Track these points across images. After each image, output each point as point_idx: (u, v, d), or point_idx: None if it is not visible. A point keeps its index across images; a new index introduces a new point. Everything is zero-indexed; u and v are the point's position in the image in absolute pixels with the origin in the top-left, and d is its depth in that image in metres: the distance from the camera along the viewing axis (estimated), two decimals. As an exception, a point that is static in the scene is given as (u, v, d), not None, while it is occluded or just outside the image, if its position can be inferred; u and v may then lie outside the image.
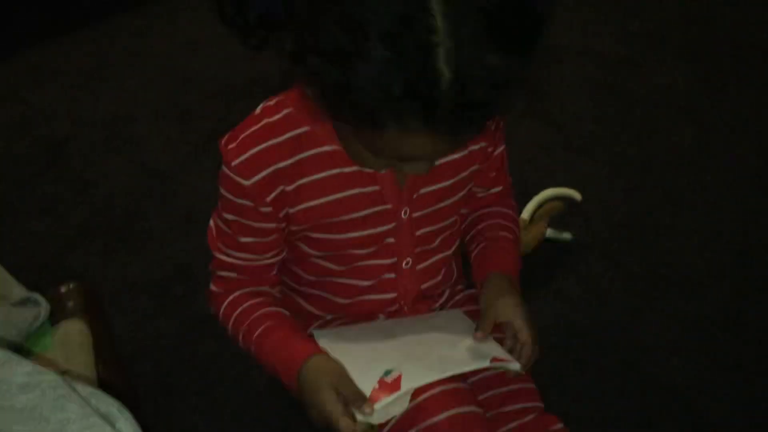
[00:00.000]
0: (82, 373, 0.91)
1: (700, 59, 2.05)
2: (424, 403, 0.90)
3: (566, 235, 1.52)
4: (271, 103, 0.90)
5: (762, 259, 1.53)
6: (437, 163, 0.90)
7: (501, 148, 1.02)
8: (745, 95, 1.94)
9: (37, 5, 2.24)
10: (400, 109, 0.67)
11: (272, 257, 0.97)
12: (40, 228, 1.61)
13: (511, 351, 0.94)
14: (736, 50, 2.08)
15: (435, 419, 0.89)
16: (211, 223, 0.98)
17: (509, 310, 0.95)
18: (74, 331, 0.95)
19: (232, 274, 0.98)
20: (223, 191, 0.92)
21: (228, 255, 0.96)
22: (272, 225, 0.93)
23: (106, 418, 0.49)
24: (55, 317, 0.96)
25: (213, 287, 1.01)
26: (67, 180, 1.72)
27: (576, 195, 1.50)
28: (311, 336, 0.98)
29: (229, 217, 0.93)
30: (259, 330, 0.95)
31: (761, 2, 2.21)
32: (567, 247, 1.53)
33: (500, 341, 0.96)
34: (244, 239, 0.94)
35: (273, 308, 0.98)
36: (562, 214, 1.52)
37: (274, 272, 1.01)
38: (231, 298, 0.99)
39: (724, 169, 1.73)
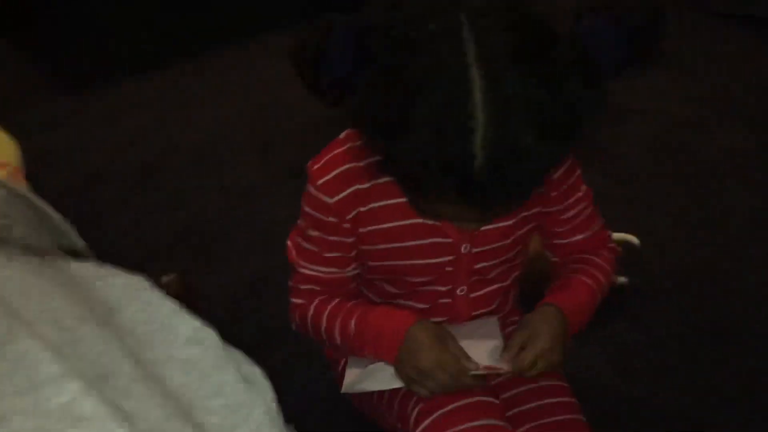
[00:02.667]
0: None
1: (763, 124, 2.08)
2: (449, 413, 0.94)
3: (622, 279, 1.56)
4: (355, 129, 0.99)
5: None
6: (487, 227, 0.95)
7: (578, 195, 1.03)
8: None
9: (137, 41, 2.42)
10: (437, 183, 0.75)
11: (353, 270, 1.03)
12: (128, 242, 1.73)
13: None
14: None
15: (459, 428, 0.93)
16: (290, 243, 1.04)
17: (543, 330, 0.96)
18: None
19: (316, 287, 1.04)
20: (308, 209, 0.98)
21: (311, 269, 1.02)
22: (351, 240, 0.99)
23: (255, 386, 0.50)
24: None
25: (296, 300, 1.06)
26: (156, 200, 1.84)
27: (634, 240, 1.54)
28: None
29: (314, 234, 0.99)
30: (356, 315, 1.00)
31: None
32: (622, 291, 1.56)
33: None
34: (328, 254, 1.00)
35: (360, 300, 1.04)
36: (618, 258, 1.56)
37: (354, 285, 1.06)
38: (316, 302, 1.04)
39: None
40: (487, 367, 0.95)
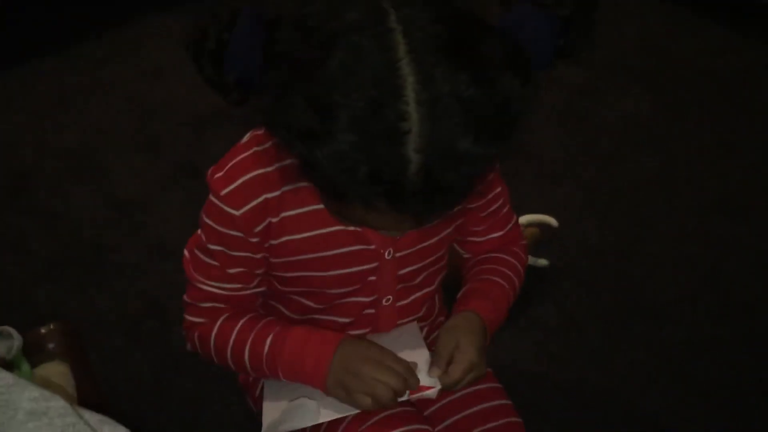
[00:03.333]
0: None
1: (661, 88, 2.11)
2: (371, 426, 0.89)
3: (542, 261, 1.53)
4: (260, 131, 0.89)
5: (731, 283, 1.56)
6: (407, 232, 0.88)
7: (496, 191, 1.00)
8: (706, 122, 1.99)
9: (-5, 33, 2.19)
10: (364, 191, 0.67)
11: (257, 286, 0.95)
12: (5, 262, 1.56)
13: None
14: (695, 78, 2.14)
15: None
16: (187, 253, 0.95)
17: (469, 341, 0.93)
18: (56, 374, 0.91)
19: (218, 305, 0.95)
20: (209, 222, 0.89)
21: (211, 286, 0.93)
22: (260, 255, 0.91)
23: None
24: (34, 359, 0.93)
25: (194, 318, 0.97)
26: (32, 212, 1.67)
27: (552, 221, 1.52)
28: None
29: (215, 248, 0.90)
30: (270, 336, 0.92)
31: (717, 33, 2.28)
32: (543, 273, 1.54)
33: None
34: (231, 270, 0.92)
35: (272, 318, 0.96)
36: (537, 240, 1.54)
37: (259, 302, 0.99)
38: (221, 320, 0.95)
39: (689, 195, 1.77)
40: (421, 388, 0.90)
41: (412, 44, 0.64)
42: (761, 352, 1.43)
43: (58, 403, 0.47)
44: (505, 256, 1.04)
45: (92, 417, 0.50)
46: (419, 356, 0.94)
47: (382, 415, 0.92)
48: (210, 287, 0.94)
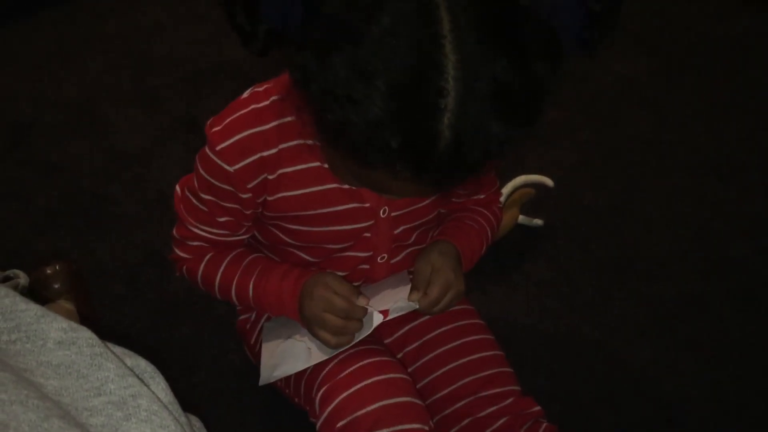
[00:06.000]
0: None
1: (659, 51, 2.11)
2: (357, 392, 0.91)
3: (537, 221, 1.55)
4: (260, 89, 0.90)
5: (720, 241, 1.59)
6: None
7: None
8: (701, 85, 2.00)
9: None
10: (393, 159, 0.68)
11: (244, 233, 0.99)
12: (5, 213, 1.57)
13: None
14: (692, 43, 2.15)
15: (368, 409, 0.90)
16: (179, 191, 0.98)
17: (443, 262, 0.96)
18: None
19: (206, 245, 0.99)
20: (202, 172, 0.91)
21: (200, 229, 0.97)
22: (249, 211, 0.93)
23: (141, 378, 0.49)
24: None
25: (183, 254, 1.01)
26: (32, 163, 1.68)
27: (548, 181, 1.54)
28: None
29: (206, 197, 0.93)
30: (254, 277, 0.97)
31: (716, -3, 2.28)
32: (538, 232, 1.57)
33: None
34: (221, 218, 0.95)
35: (255, 256, 1.00)
36: (533, 200, 1.56)
37: (246, 242, 1.03)
38: (208, 258, 0.99)
39: (682, 156, 1.79)
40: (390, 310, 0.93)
41: (456, 21, 0.64)
42: (747, 307, 1.46)
43: (86, 334, 0.48)
44: (478, 208, 1.08)
45: (115, 349, 0.51)
46: (403, 290, 0.98)
47: (360, 364, 0.94)
48: (198, 230, 0.97)
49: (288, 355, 0.96)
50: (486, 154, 0.68)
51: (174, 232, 1.00)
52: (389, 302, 0.95)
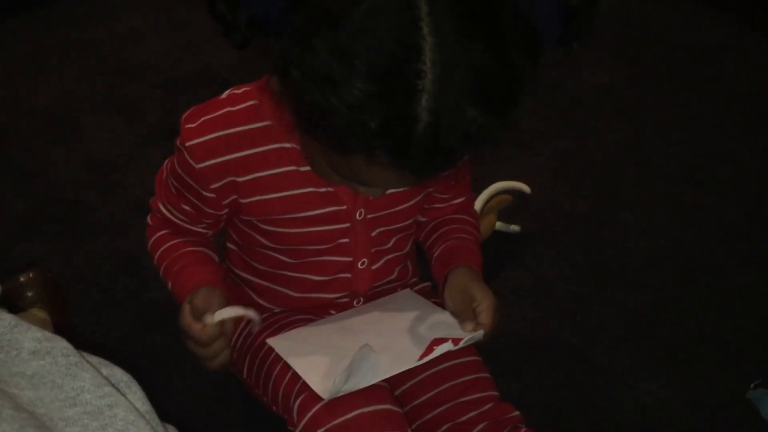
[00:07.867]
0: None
1: (634, 60, 2.14)
2: (334, 401, 0.89)
3: (514, 227, 1.56)
4: (238, 91, 0.91)
5: (697, 248, 1.61)
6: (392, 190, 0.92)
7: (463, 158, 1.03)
8: (677, 94, 2.03)
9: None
10: (372, 143, 0.68)
11: (205, 229, 1.00)
12: (-21, 220, 1.55)
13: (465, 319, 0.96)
14: (667, 52, 2.18)
15: (346, 417, 0.88)
16: (164, 167, 1.00)
17: (481, 288, 0.98)
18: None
19: (165, 221, 1.01)
20: (175, 161, 0.93)
21: (165, 207, 0.99)
22: (211, 210, 0.95)
23: (117, 388, 0.48)
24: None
25: (149, 221, 1.04)
26: (7, 170, 1.66)
27: (525, 188, 1.54)
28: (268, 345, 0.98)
29: (175, 183, 0.95)
30: (175, 268, 0.98)
31: (691, 7, 2.31)
32: (516, 239, 1.57)
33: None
34: (184, 206, 0.97)
35: (198, 248, 1.00)
36: (510, 207, 1.56)
37: (208, 236, 1.03)
38: (159, 234, 1.02)
39: (659, 164, 1.81)
40: (455, 340, 0.90)
41: (434, 6, 0.65)
42: (723, 313, 1.47)
43: (61, 344, 0.47)
44: (464, 217, 1.09)
45: (91, 358, 0.51)
46: (440, 315, 0.98)
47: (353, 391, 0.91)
48: (163, 207, 0.99)
49: (358, 368, 0.88)
50: (464, 139, 0.69)
51: (151, 200, 1.03)
52: (432, 330, 0.95)
